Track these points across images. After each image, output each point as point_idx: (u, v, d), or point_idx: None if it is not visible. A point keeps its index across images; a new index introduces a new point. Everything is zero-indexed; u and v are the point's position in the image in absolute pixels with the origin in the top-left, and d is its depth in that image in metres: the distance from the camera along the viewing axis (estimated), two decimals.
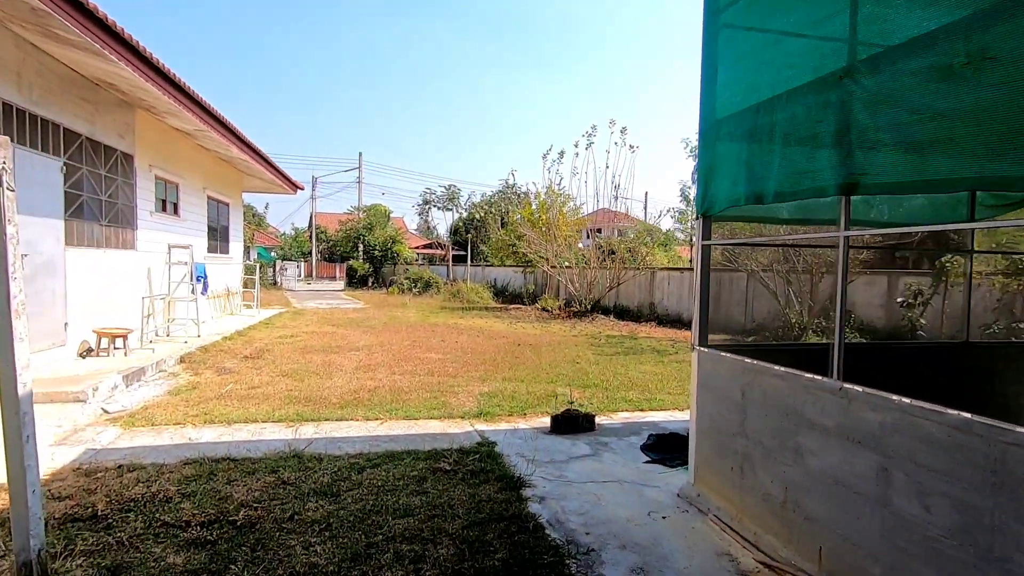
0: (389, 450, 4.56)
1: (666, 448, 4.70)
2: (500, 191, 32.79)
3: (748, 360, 3.14)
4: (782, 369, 2.85)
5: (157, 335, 9.77)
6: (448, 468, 4.14)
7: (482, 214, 31.64)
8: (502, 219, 33.01)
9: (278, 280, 31.75)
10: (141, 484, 3.73)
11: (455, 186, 32.86)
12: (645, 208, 37.48)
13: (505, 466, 4.23)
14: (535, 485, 3.92)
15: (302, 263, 47.36)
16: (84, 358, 7.24)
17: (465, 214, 32.39)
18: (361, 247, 33.66)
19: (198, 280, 10.60)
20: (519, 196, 18.53)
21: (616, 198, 15.81)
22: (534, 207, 19.69)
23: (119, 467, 4.05)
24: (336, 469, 4.08)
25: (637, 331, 13.88)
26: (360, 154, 40.90)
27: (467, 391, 6.73)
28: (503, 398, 6.40)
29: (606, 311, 16.77)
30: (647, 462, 4.44)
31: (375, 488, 3.77)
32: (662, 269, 16.29)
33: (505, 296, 22.37)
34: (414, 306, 19.44)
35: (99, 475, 3.91)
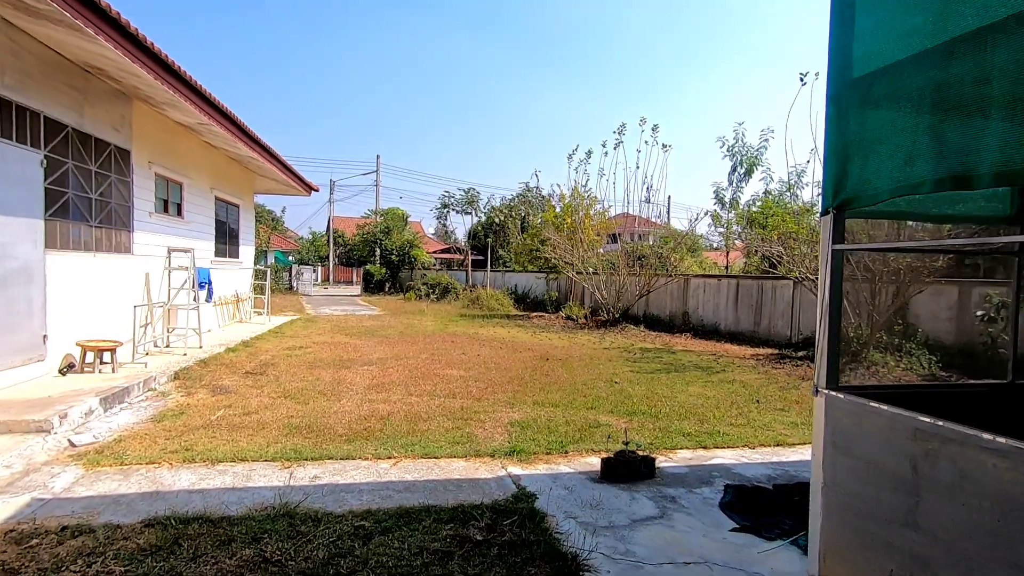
0: (404, 506, 3.64)
1: (753, 508, 3.71)
2: (520, 194, 31.94)
3: (924, 419, 2.15)
4: (1003, 441, 1.86)
5: (156, 346, 9.01)
6: (480, 538, 3.21)
7: (502, 218, 30.78)
8: (522, 223, 32.16)
9: (294, 285, 31.19)
10: (81, 560, 2.85)
11: (474, 189, 32.03)
12: (668, 212, 36.22)
13: (552, 535, 3.28)
14: (596, 569, 2.96)
15: (319, 267, 47.00)
16: (64, 375, 6.46)
17: (484, 218, 31.54)
18: (378, 251, 32.99)
19: (201, 286, 9.84)
20: (542, 199, 17.60)
21: (648, 200, 14.81)
22: (558, 210, 18.75)
23: (63, 529, 3.19)
24: (336, 537, 3.17)
25: (672, 343, 12.82)
26: (378, 157, 40.39)
27: (495, 419, 5.79)
28: (537, 429, 5.45)
29: (635, 321, 15.73)
30: (734, 530, 3.45)
31: (384, 570, 2.85)
32: (696, 276, 15.21)
33: (526, 303, 21.43)
34: (432, 313, 18.60)
35: (33, 542, 3.05)
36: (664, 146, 15.44)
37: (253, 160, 12.18)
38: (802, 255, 10.42)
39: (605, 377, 8.31)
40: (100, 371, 6.79)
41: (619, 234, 17.15)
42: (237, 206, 13.45)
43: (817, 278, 10.34)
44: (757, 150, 15.69)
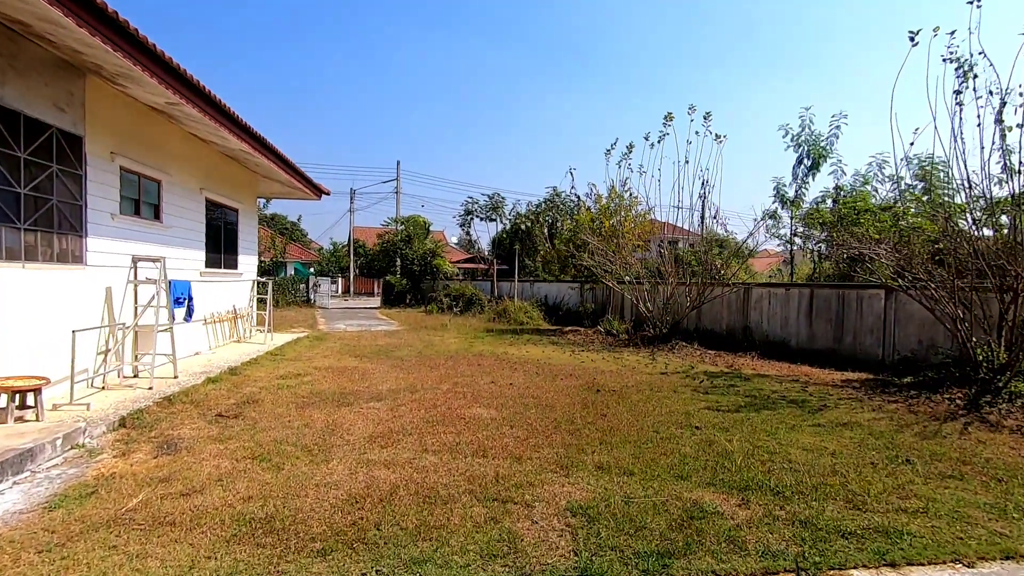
0: None
1: None
2: (548, 199, 30.12)
3: None
4: None
5: (121, 377, 7.40)
6: None
7: (528, 224, 28.99)
8: (550, 230, 30.33)
9: (311, 297, 29.83)
10: None
11: (499, 194, 30.24)
12: (702, 217, 34.00)
13: None
14: None
15: (340, 279, 45.92)
16: None
17: (509, 225, 29.77)
18: (399, 261, 31.48)
19: (179, 303, 8.23)
20: (577, 199, 15.76)
21: (704, 197, 12.84)
22: (594, 211, 16.89)
23: None
24: None
25: (738, 365, 10.81)
26: (398, 162, 39.09)
27: (546, 499, 3.94)
28: (615, 523, 3.58)
29: (687, 336, 13.72)
30: None
31: None
32: (759, 286, 13.14)
33: (558, 316, 19.51)
34: (455, 328, 16.84)
35: None
36: (717, 136, 13.50)
37: (249, 157, 10.63)
38: (914, 256, 8.25)
39: (679, 418, 6.39)
40: (19, 419, 5.14)
41: (663, 239, 15.19)
42: (235, 210, 11.92)
43: (941, 286, 8.20)
44: (827, 139, 13.59)
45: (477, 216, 30.72)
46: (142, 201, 8.14)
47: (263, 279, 13.75)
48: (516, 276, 22.44)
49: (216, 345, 10.73)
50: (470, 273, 35.12)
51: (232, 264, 11.79)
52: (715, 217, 12.73)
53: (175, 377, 7.64)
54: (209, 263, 10.50)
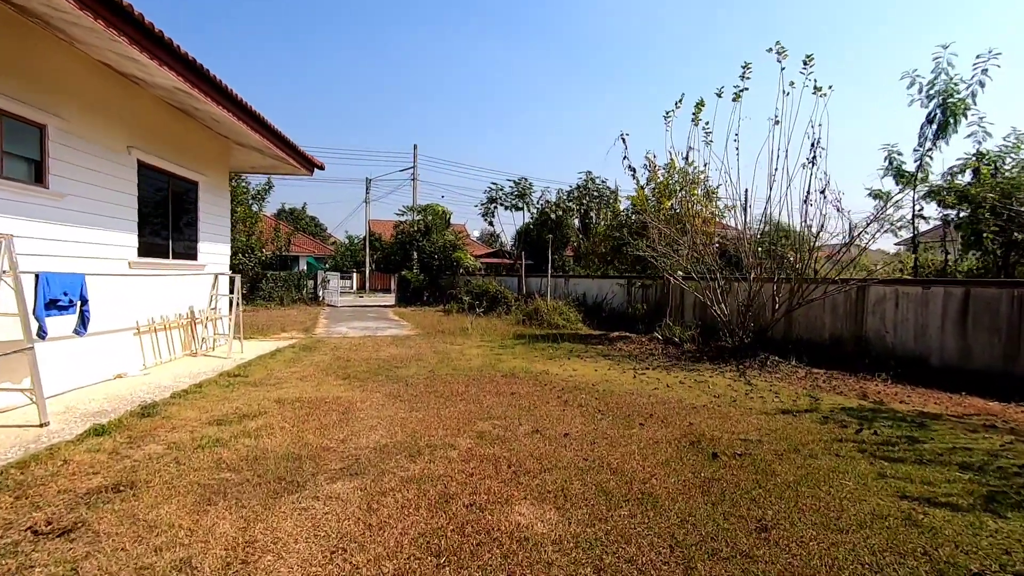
0: None
1: None
2: (580, 186, 27.02)
3: None
4: None
5: None
6: None
7: (559, 214, 25.93)
8: (582, 220, 27.30)
9: (320, 294, 27.25)
10: None
11: (526, 179, 27.17)
12: (746, 210, 30.49)
13: None
14: None
15: (355, 274, 43.49)
16: None
17: (537, 214, 26.74)
18: (416, 255, 28.70)
19: (62, 308, 5.43)
20: (633, 172, 12.65)
21: (813, 162, 9.62)
22: (647, 190, 13.78)
23: None
24: None
25: (871, 392, 7.67)
26: (415, 146, 36.27)
27: None
28: None
29: (777, 347, 10.59)
30: None
31: None
32: (881, 283, 9.93)
33: (601, 318, 16.45)
34: (478, 333, 13.93)
35: None
36: (818, 89, 10.31)
37: (199, 105, 7.83)
38: None
39: (904, 533, 3.35)
40: None
41: (738, 232, 12.00)
42: (194, 183, 9.15)
43: None
44: (968, 88, 10.24)
45: (501, 204, 27.75)
46: (5, 152, 5.36)
47: (236, 274, 10.96)
48: (548, 271, 19.43)
49: (156, 362, 7.97)
50: (494, 268, 32.21)
51: (188, 253, 9.02)
52: (823, 192, 9.53)
53: (42, 425, 4.87)
54: (146, 250, 7.74)
